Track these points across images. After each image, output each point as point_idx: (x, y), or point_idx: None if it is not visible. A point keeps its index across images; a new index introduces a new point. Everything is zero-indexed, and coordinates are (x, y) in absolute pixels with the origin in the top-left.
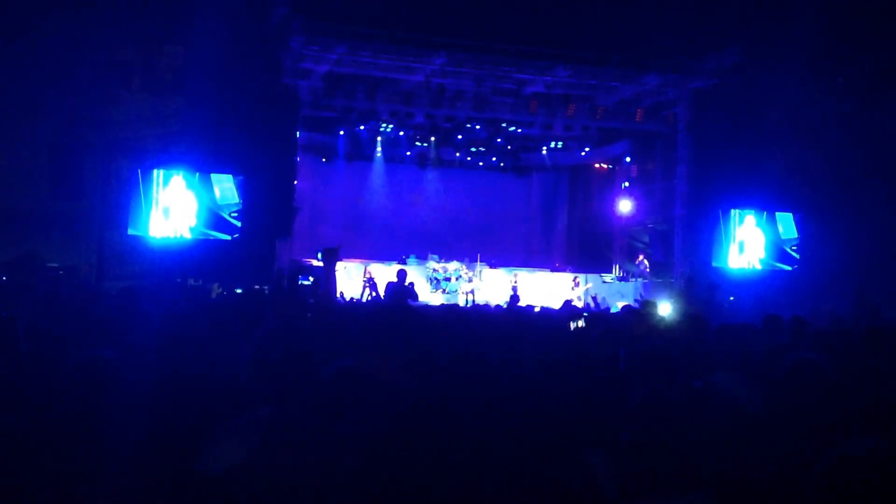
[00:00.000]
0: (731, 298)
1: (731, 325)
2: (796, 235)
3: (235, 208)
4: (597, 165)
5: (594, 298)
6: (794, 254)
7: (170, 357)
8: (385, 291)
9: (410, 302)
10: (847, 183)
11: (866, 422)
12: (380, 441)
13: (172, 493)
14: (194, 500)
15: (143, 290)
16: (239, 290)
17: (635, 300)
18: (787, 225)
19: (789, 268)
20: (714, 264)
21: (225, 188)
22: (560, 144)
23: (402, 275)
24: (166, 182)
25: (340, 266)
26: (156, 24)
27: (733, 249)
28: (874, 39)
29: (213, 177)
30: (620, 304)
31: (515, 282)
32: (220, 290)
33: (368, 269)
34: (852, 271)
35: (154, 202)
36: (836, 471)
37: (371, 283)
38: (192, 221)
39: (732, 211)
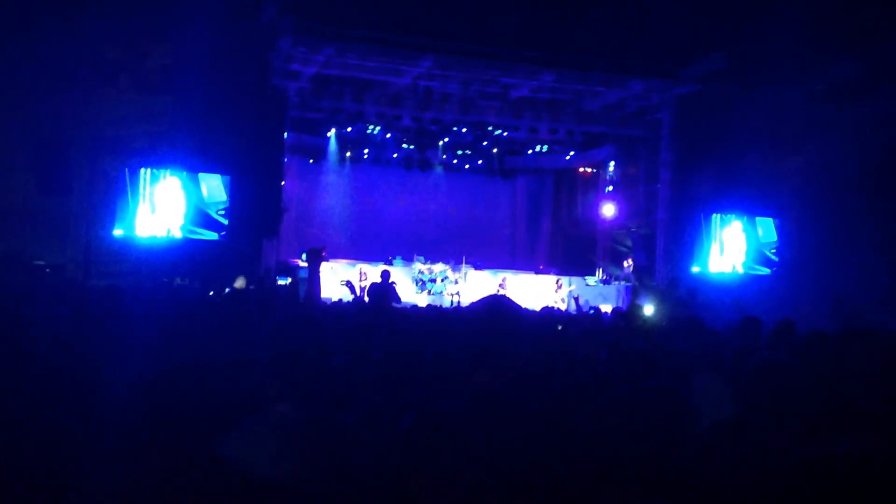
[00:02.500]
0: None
1: (701, 328)
2: (775, 239)
3: (223, 206)
4: (581, 169)
5: (576, 300)
6: (773, 257)
7: (153, 354)
8: (368, 292)
9: (394, 304)
10: (827, 189)
11: (836, 423)
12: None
13: (160, 488)
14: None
15: (129, 288)
16: (228, 290)
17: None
18: (766, 229)
19: (768, 271)
20: (695, 268)
21: (212, 186)
22: (545, 148)
23: (385, 275)
24: (154, 181)
25: (327, 266)
26: (144, 22)
27: (714, 253)
28: (855, 47)
29: (201, 175)
30: (604, 308)
31: (503, 284)
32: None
33: (361, 269)
34: (832, 276)
35: (141, 201)
36: (801, 471)
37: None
38: (181, 220)
39: (714, 215)
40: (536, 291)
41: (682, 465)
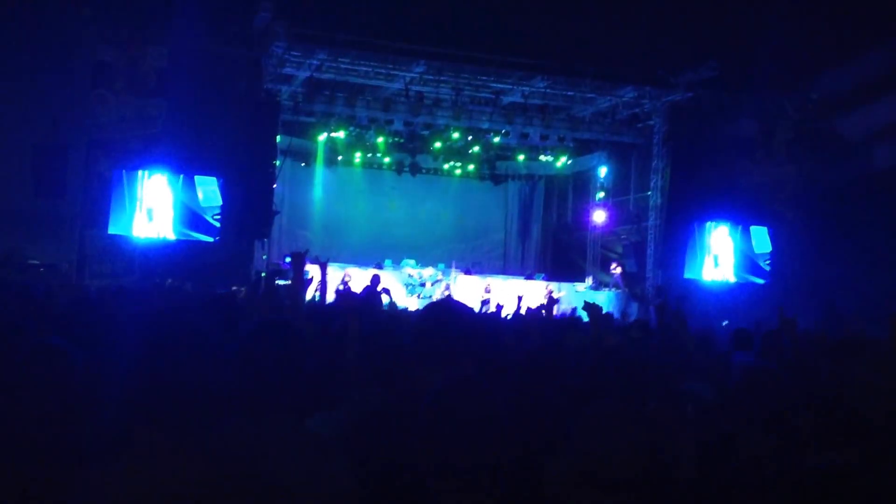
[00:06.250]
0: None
1: (690, 335)
2: (770, 249)
3: (218, 211)
4: (572, 175)
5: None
6: (766, 267)
7: (145, 357)
8: (361, 293)
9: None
10: (820, 197)
11: (827, 433)
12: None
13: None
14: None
15: (121, 288)
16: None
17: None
18: (760, 238)
19: (761, 281)
20: (686, 276)
21: (208, 190)
22: (538, 154)
23: (375, 280)
24: (150, 183)
25: (315, 270)
26: (140, 26)
27: (708, 262)
28: (848, 55)
29: (197, 179)
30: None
31: (488, 288)
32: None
33: (347, 272)
34: (825, 285)
35: (138, 203)
36: (789, 483)
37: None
38: (172, 221)
39: (708, 224)
40: (526, 297)
41: (669, 471)
